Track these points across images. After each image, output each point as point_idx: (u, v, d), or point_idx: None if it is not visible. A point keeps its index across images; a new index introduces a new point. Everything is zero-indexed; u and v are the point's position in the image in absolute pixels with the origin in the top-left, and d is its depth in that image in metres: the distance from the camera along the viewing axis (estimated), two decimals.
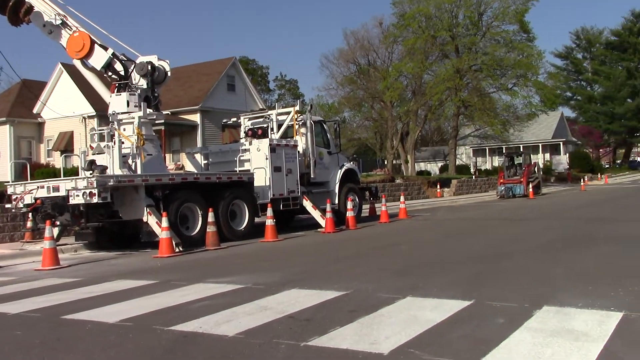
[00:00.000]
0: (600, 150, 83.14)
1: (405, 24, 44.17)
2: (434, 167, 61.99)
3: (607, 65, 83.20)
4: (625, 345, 4.90)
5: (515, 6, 43.32)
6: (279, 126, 18.02)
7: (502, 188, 32.10)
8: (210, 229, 13.53)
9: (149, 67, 14.91)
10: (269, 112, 18.98)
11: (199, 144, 33.59)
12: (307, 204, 17.29)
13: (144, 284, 8.95)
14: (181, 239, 13.13)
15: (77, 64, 15.52)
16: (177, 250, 12.64)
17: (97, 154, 14.46)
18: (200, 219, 14.24)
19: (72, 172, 21.55)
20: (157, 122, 16.15)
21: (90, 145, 15.25)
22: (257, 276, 9.26)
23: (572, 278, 8.05)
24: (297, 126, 18.02)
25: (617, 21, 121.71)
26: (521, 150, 51.39)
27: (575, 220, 17.40)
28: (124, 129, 14.66)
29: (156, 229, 12.93)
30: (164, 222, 12.41)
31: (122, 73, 14.96)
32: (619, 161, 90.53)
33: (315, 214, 17.17)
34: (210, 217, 13.53)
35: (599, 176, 56.31)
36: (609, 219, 17.28)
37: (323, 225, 16.59)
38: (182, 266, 10.98)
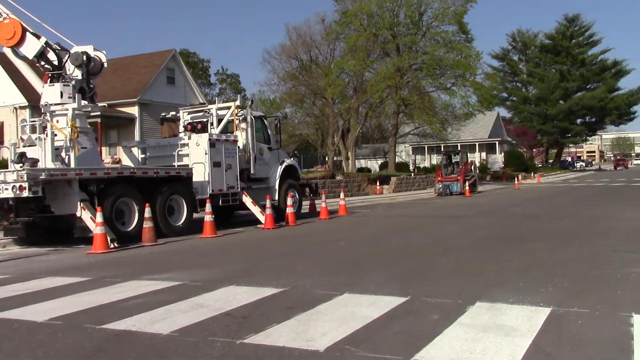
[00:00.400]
0: (534, 150, 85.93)
1: (347, 21, 44.35)
2: (374, 164, 62.64)
3: (541, 68, 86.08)
4: (553, 340, 5.06)
5: (455, 7, 44.14)
6: (219, 121, 17.81)
7: (440, 186, 32.72)
8: (147, 224, 13.26)
9: (84, 58, 14.48)
10: (209, 106, 18.73)
11: (137, 137, 32.87)
12: (247, 200, 17.17)
13: (76, 281, 8.69)
14: (116, 235, 12.80)
15: (8, 52, 14.92)
16: (112, 246, 12.33)
17: (28, 146, 13.93)
18: (136, 214, 13.92)
19: (1, 165, 20.72)
20: (92, 114, 15.71)
21: (21, 137, 14.67)
22: (194, 273, 9.13)
23: (505, 274, 8.27)
24: (237, 121, 17.86)
25: (551, 25, 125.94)
26: (459, 148, 52.49)
27: (508, 218, 17.89)
28: (57, 121, 14.18)
29: (90, 224, 12.58)
30: (99, 217, 12.08)
31: (56, 63, 14.46)
32: (551, 161, 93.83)
33: (255, 210, 17.07)
34: (147, 213, 13.26)
35: (532, 175, 58.15)
36: (540, 217, 17.85)
37: (263, 222, 16.51)
38: (116, 263, 10.72)
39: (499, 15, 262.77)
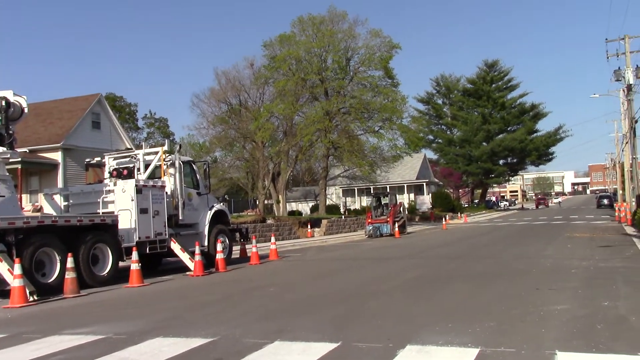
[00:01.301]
0: (460, 190, 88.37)
1: (276, 66, 44.91)
2: (305, 207, 62.80)
3: (464, 111, 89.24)
4: None
5: (380, 53, 45.47)
6: (146, 166, 17.51)
7: (370, 227, 33.06)
8: (69, 275, 12.73)
9: (3, 103, 13.99)
10: (136, 151, 18.41)
11: (60, 184, 31.83)
12: (176, 247, 16.81)
13: None
14: (36, 287, 12.22)
15: None
16: (31, 299, 11.75)
17: None
18: (58, 264, 13.36)
19: None
20: (11, 160, 15.12)
21: None
22: (118, 325, 8.80)
23: (433, 316, 8.37)
24: (165, 166, 17.59)
25: (473, 70, 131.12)
26: (387, 190, 53.40)
27: (436, 259, 18.21)
28: None
29: (7, 276, 11.97)
30: (17, 269, 11.50)
31: None
32: (476, 201, 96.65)
33: (184, 257, 16.72)
34: (70, 263, 12.74)
35: (459, 215, 59.65)
36: (466, 257, 18.26)
37: (192, 269, 16.17)
38: (36, 317, 10.21)
39: (423, 60, 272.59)
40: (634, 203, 34.67)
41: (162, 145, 18.30)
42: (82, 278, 13.61)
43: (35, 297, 11.91)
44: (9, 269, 11.90)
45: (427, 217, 56.50)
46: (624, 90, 37.89)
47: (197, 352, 6.76)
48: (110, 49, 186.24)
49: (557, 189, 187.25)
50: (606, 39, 37.48)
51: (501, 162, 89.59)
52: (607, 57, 36.77)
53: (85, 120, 35.37)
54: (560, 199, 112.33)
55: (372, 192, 51.41)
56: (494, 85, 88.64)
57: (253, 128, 45.59)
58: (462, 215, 57.82)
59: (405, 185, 67.74)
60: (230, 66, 59.05)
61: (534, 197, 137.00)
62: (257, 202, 51.87)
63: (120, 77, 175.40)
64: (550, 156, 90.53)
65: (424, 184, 69.18)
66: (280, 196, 49.35)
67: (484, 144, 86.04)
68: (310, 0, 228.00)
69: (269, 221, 35.37)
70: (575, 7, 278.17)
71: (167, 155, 17.74)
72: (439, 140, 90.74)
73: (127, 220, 15.62)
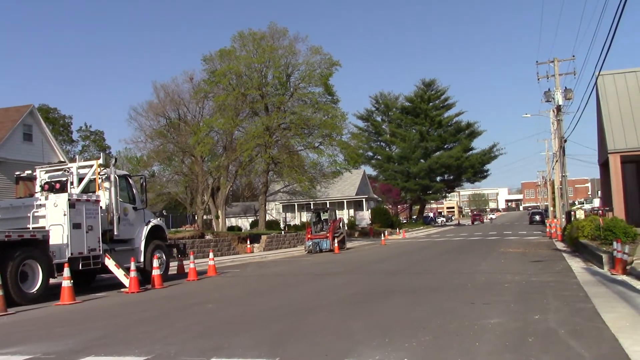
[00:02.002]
0: (399, 206, 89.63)
1: (216, 80, 44.59)
2: (245, 223, 62.35)
3: (403, 128, 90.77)
4: None
5: (320, 70, 45.79)
6: (80, 180, 17.05)
7: (310, 243, 33.08)
8: None
9: None
10: (69, 164, 17.89)
11: None
12: (110, 263, 16.38)
13: None
14: None
15: None
16: None
17: None
18: None
19: None
20: None
21: None
22: (48, 344, 8.48)
23: (371, 331, 8.41)
24: (100, 180, 17.17)
25: (410, 89, 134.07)
26: (327, 206, 53.61)
27: (374, 274, 18.36)
28: None
29: None
30: None
31: None
32: (414, 216, 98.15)
33: (119, 273, 16.31)
34: None
35: (397, 231, 60.38)
36: (403, 272, 18.48)
37: (127, 285, 15.79)
38: None
39: (362, 77, 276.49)
40: (563, 219, 35.96)
41: (98, 158, 17.87)
42: (10, 296, 13.11)
43: None
44: None
45: (366, 232, 57.01)
46: (554, 111, 39.44)
47: None
48: (43, 59, 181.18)
49: (492, 205, 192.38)
50: (537, 62, 39.08)
51: (438, 179, 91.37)
52: (538, 79, 38.18)
53: (16, 132, 34.17)
54: (491, 216, 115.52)
55: (312, 207, 51.45)
56: (431, 103, 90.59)
57: (192, 142, 45.03)
58: (401, 230, 58.57)
59: (345, 200, 68.22)
60: (169, 80, 58.43)
61: (469, 214, 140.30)
62: (196, 217, 51.15)
63: (54, 88, 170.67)
64: (485, 173, 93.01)
65: (364, 199, 69.85)
66: (219, 211, 48.84)
67: (422, 161, 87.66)
68: (251, 17, 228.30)
69: (208, 237, 34.93)
70: (509, 29, 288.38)
71: (102, 168, 17.33)
72: (378, 157, 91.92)
73: (59, 235, 15.13)
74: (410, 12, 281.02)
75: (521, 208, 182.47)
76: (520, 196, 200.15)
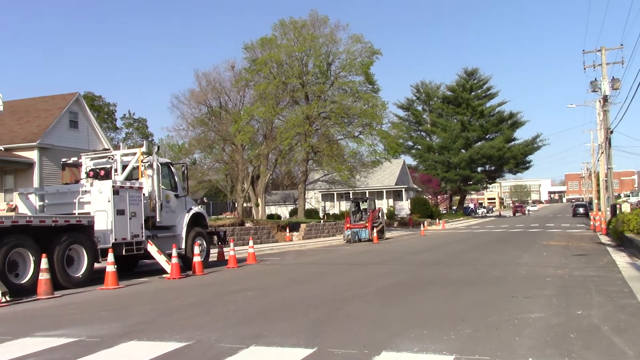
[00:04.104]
0: (438, 197, 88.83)
1: (256, 69, 44.83)
2: (284, 211, 62.71)
3: (444, 118, 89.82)
4: None
5: (361, 58, 45.61)
6: (124, 167, 17.38)
7: (349, 232, 33.09)
8: (43, 276, 12.58)
9: None
10: (113, 152, 18.25)
11: (36, 183, 31.42)
12: (152, 249, 16.68)
13: None
14: (9, 288, 12.06)
15: None
16: (3, 300, 11.59)
17: None
18: (32, 265, 13.20)
19: None
20: None
21: None
22: (92, 328, 8.70)
23: (409, 322, 8.39)
24: (143, 168, 17.46)
25: (452, 78, 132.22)
26: (367, 195, 53.53)
27: (413, 265, 18.28)
28: None
29: None
30: None
31: None
32: (454, 207, 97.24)
33: (161, 259, 16.60)
34: (44, 264, 12.59)
35: (437, 221, 60.01)
36: (443, 263, 18.35)
37: (168, 271, 16.06)
38: (7, 318, 10.05)
39: (404, 66, 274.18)
40: (608, 212, 35.15)
41: (141, 146, 18.18)
42: (57, 279, 13.47)
43: (8, 298, 11.75)
44: None
45: (405, 222, 56.74)
46: (600, 101, 38.45)
47: (171, 356, 6.71)
48: (89, 48, 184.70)
49: (534, 196, 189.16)
50: (583, 51, 38.08)
51: (479, 169, 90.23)
52: (584, 68, 37.34)
53: (63, 119, 34.96)
54: (532, 207, 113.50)
55: (351, 197, 51.45)
56: (473, 93, 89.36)
57: (233, 131, 45.42)
58: (440, 221, 58.16)
59: (384, 190, 67.96)
60: (210, 68, 58.86)
61: (511, 205, 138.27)
62: (236, 205, 51.69)
63: (99, 76, 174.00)
64: (528, 164, 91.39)
65: (403, 189, 69.47)
66: (259, 199, 49.21)
67: (463, 151, 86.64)
68: (292, 5, 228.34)
69: (248, 224, 35.27)
70: (554, 17, 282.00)
71: (145, 156, 17.61)
72: (419, 147, 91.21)
73: (103, 221, 15.47)
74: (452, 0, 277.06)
75: (564, 200, 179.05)
76: (563, 188, 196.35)
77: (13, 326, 9.15)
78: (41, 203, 16.85)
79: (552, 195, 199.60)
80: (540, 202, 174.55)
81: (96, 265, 15.36)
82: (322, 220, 45.81)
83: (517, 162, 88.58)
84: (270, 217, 50.20)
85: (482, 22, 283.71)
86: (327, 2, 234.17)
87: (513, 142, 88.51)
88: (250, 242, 21.72)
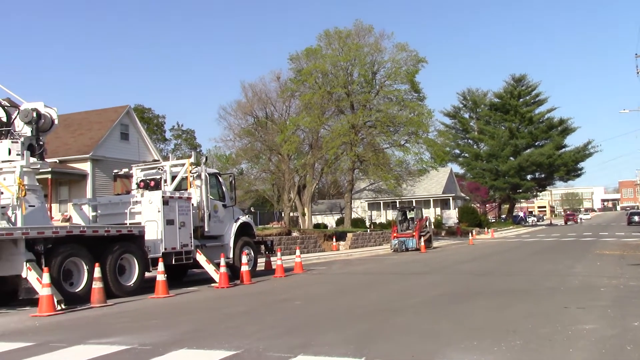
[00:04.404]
0: (487, 205, 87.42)
1: (302, 79, 45.11)
2: (330, 220, 62.74)
3: (491, 125, 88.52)
4: None
5: (407, 67, 45.39)
6: (173, 178, 17.68)
7: (396, 242, 32.87)
8: (96, 284, 12.88)
9: (34, 114, 14.25)
10: (163, 163, 18.60)
11: (89, 194, 32.27)
12: (201, 258, 16.90)
13: (18, 347, 8.31)
14: (64, 296, 12.39)
15: None
16: (58, 308, 11.91)
17: None
18: (85, 274, 13.52)
19: None
20: (41, 171, 15.38)
21: None
22: (144, 336, 8.85)
23: (459, 333, 8.26)
24: (191, 178, 17.73)
25: (499, 85, 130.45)
26: (413, 204, 53.09)
27: (462, 274, 18.02)
28: (4, 179, 13.84)
29: (36, 285, 12.15)
30: (45, 278, 11.68)
31: (4, 119, 14.20)
32: (503, 216, 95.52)
33: (209, 269, 16.80)
34: (97, 272, 12.89)
35: (485, 230, 59.05)
36: (492, 273, 18.03)
37: (217, 280, 16.23)
38: (63, 326, 10.33)
39: (450, 74, 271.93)
40: None
41: (189, 157, 18.48)
42: (109, 288, 13.75)
43: (63, 306, 12.07)
44: (37, 278, 12.08)
45: (453, 231, 56.05)
46: None
47: None
48: (139, 61, 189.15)
49: (587, 204, 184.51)
50: (636, 54, 37.14)
51: (529, 177, 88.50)
52: (638, 72, 36.35)
53: (114, 132, 35.87)
54: (584, 215, 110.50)
55: (397, 205, 51.11)
56: (521, 99, 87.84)
57: (279, 141, 45.76)
58: (489, 230, 57.22)
59: (431, 199, 67.31)
60: (256, 79, 59.48)
61: (562, 213, 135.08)
62: (283, 215, 51.96)
63: (149, 89, 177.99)
64: (579, 172, 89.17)
65: (450, 198, 68.68)
66: (305, 209, 49.38)
67: (511, 158, 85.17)
68: (336, 15, 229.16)
69: (294, 234, 35.39)
70: (604, 22, 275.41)
71: (193, 167, 17.89)
72: (466, 155, 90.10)
73: (153, 231, 15.75)
74: (497, 6, 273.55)
75: (618, 208, 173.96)
76: (617, 196, 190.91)
77: (68, 334, 9.39)
78: (94, 213, 17.28)
79: (605, 203, 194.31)
80: (593, 210, 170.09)
81: (147, 274, 15.64)
82: (368, 230, 45.62)
83: (568, 169, 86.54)
84: (317, 226, 50.28)
85: (530, 27, 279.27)
86: (371, 12, 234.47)
87: (564, 149, 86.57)
88: (297, 252, 21.79)
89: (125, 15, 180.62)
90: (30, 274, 12.30)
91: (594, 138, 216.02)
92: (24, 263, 12.38)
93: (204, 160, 18.72)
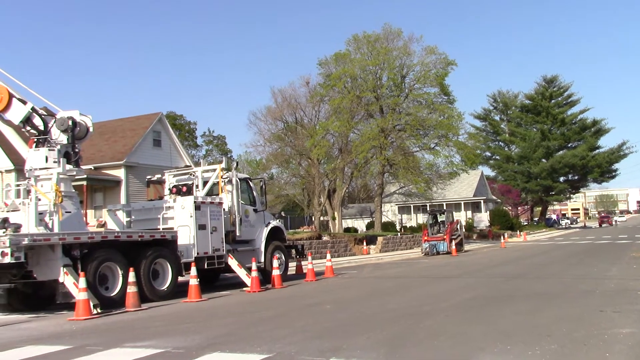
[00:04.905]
0: (519, 208, 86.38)
1: (331, 84, 45.23)
2: (361, 224, 62.65)
3: (523, 127, 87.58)
4: None
5: (436, 70, 45.20)
6: (205, 183, 17.87)
7: (427, 245, 32.70)
8: (131, 289, 13.09)
9: (70, 123, 14.56)
10: (195, 169, 18.83)
11: (123, 199, 32.78)
12: (233, 263, 17.04)
13: (57, 350, 8.51)
14: (100, 300, 12.61)
15: None
16: (94, 312, 12.13)
17: (12, 211, 13.82)
18: (120, 278, 13.75)
19: None
20: (77, 178, 15.71)
21: (5, 202, 14.58)
22: (177, 339, 8.98)
23: (491, 337, 8.21)
24: (222, 183, 17.90)
25: (531, 86, 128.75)
26: (444, 207, 52.74)
27: (494, 278, 17.84)
28: (42, 185, 14.16)
29: (73, 289, 12.41)
30: (82, 283, 11.91)
31: (42, 128, 14.52)
32: (536, 219, 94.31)
33: (241, 273, 16.93)
34: (131, 277, 13.10)
35: (518, 233, 58.30)
36: (526, 276, 17.83)
37: (249, 284, 16.35)
38: (99, 329, 10.53)
39: (480, 76, 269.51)
40: None
41: (220, 162, 18.67)
42: (143, 292, 13.95)
43: (99, 310, 12.28)
44: (74, 282, 12.33)
45: (485, 235, 55.51)
46: None
47: None
48: (170, 68, 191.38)
49: (622, 206, 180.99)
50: None
51: (561, 179, 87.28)
52: None
53: (147, 139, 36.40)
54: (619, 218, 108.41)
55: (428, 209, 50.89)
56: (553, 101, 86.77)
57: (309, 145, 45.92)
58: (522, 233, 56.51)
59: (462, 202, 66.80)
60: (286, 84, 59.85)
61: (597, 215, 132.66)
62: (313, 219, 52.09)
63: (180, 96, 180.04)
64: (614, 173, 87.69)
65: (482, 201, 68.05)
66: (335, 213, 49.41)
67: (543, 160, 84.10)
68: (365, 18, 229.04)
69: (325, 238, 35.44)
70: (637, 20, 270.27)
71: (224, 172, 18.06)
72: (497, 157, 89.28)
73: (186, 236, 15.95)
74: (528, 6, 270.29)
75: None
76: None
77: (103, 337, 9.57)
78: (128, 219, 17.56)
79: None
80: (628, 212, 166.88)
81: (180, 278, 15.83)
82: (399, 233, 45.46)
83: (602, 170, 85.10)
84: (347, 230, 50.25)
85: (561, 26, 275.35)
86: (400, 15, 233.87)
87: (597, 150, 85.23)
88: (328, 256, 21.82)
89: (156, 21, 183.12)
90: (67, 279, 12.56)
91: (629, 139, 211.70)
92: (61, 268, 12.63)
93: (234, 165, 18.86)
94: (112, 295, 13.59)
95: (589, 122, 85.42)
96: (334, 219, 49.71)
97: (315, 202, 50.73)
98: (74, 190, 15.15)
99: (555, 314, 10.10)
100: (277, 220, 20.42)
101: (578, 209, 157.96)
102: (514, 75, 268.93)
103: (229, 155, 71.37)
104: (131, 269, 13.26)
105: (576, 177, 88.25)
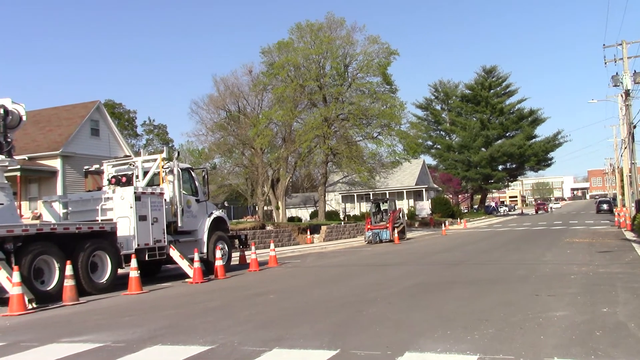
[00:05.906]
0: (459, 196, 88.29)
1: (274, 72, 45.02)
2: (305, 213, 62.76)
3: (463, 117, 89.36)
4: None
5: (378, 59, 45.57)
6: (145, 173, 17.52)
7: (370, 234, 33.04)
8: (68, 282, 12.73)
9: (1, 111, 14.03)
10: (135, 158, 18.43)
11: (60, 191, 31.82)
12: (174, 254, 16.80)
13: None
14: (35, 295, 12.23)
15: None
16: (30, 307, 11.75)
17: None
18: (57, 272, 13.36)
19: None
20: (10, 168, 15.14)
21: None
22: (117, 333, 8.78)
23: (432, 323, 8.35)
24: (163, 174, 17.60)
25: (471, 76, 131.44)
26: (387, 196, 53.35)
27: (435, 265, 18.19)
28: None
29: (6, 284, 11.97)
30: (15, 277, 11.51)
31: None
32: (476, 206, 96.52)
33: (183, 264, 16.71)
34: (68, 270, 12.75)
35: (458, 221, 59.60)
36: (465, 263, 18.25)
37: (191, 276, 16.17)
38: (34, 325, 10.19)
39: (422, 66, 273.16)
40: (633, 208, 34.67)
41: (161, 152, 18.33)
42: (81, 286, 13.63)
43: (34, 305, 11.91)
44: (7, 277, 11.91)
45: (426, 222, 56.50)
46: (622, 96, 37.93)
47: None
48: (108, 55, 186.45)
49: (557, 194, 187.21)
50: (604, 45, 37.64)
51: (500, 167, 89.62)
52: (605, 63, 36.81)
53: (84, 128, 35.37)
54: (554, 205, 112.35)
55: (371, 198, 51.33)
56: (492, 91, 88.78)
57: (252, 135, 45.63)
58: (462, 220, 57.81)
59: (404, 191, 67.70)
60: (228, 73, 59.19)
61: (533, 203, 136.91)
62: (257, 209, 51.87)
63: (119, 83, 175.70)
64: (549, 161, 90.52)
65: (423, 189, 69.14)
66: (279, 202, 49.34)
67: (483, 149, 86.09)
68: (308, 8, 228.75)
69: (269, 227, 35.36)
70: (572, 13, 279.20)
71: (165, 162, 17.75)
72: (438, 146, 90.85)
73: (126, 227, 15.62)
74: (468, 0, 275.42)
75: (588, 197, 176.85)
76: (586, 184, 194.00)
77: (39, 333, 9.28)
78: (65, 210, 17.07)
79: (575, 192, 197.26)
80: (563, 199, 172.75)
81: (120, 271, 15.51)
82: (342, 222, 45.76)
83: (539, 159, 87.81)
84: (291, 219, 50.28)
85: (500, 18, 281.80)
86: (343, 4, 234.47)
87: (534, 140, 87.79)
88: (272, 245, 21.78)
89: (93, 6, 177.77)
90: (0, 273, 12.11)
91: (564, 128, 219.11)
92: None
93: (176, 155, 18.54)
94: (48, 289, 13.20)
95: (526, 112, 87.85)
96: (277, 208, 49.62)
97: (258, 191, 50.50)
98: (6, 182, 14.62)
99: (493, 300, 10.36)
100: (220, 211, 20.25)
101: (516, 197, 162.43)
102: (455, 66, 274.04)
103: (170, 145, 70.28)
104: (68, 262, 12.91)
105: (514, 166, 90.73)
